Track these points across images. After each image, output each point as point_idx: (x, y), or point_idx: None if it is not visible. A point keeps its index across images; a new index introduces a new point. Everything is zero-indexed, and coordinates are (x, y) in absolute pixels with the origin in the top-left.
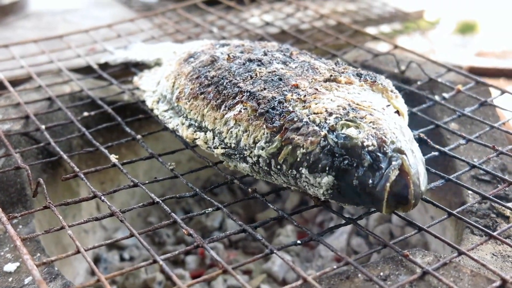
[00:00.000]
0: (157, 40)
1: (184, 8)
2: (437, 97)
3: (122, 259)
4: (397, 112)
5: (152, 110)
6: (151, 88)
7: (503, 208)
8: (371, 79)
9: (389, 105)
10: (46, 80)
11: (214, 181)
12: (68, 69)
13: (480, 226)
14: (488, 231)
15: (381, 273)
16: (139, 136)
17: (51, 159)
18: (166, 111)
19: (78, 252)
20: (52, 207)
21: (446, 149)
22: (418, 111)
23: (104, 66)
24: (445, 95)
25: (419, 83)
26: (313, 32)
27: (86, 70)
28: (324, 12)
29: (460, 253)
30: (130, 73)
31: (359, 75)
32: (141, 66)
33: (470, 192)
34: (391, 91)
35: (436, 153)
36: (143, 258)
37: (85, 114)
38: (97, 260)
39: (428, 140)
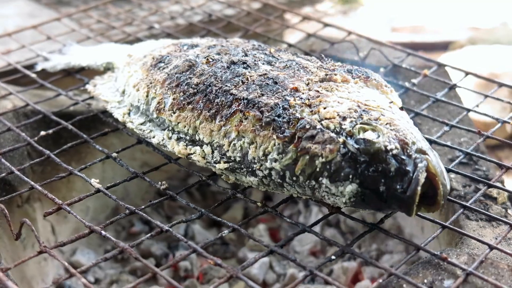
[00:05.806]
0: (94, 41)
1: (112, 2)
2: (407, 84)
3: None
4: (402, 108)
5: (124, 123)
6: (114, 99)
7: (490, 190)
8: (363, 74)
9: (391, 102)
10: None
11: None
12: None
13: (501, 218)
14: (508, 220)
15: (425, 280)
16: (114, 154)
17: (22, 191)
18: (143, 124)
19: None
20: (49, 251)
21: (434, 138)
22: None
23: (42, 74)
24: (414, 81)
25: (382, 70)
26: (241, 16)
27: (22, 81)
28: None
29: (492, 248)
30: (76, 80)
31: (349, 71)
32: (86, 72)
33: (452, 176)
34: (386, 86)
35: None
36: (110, 279)
37: (43, 133)
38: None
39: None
